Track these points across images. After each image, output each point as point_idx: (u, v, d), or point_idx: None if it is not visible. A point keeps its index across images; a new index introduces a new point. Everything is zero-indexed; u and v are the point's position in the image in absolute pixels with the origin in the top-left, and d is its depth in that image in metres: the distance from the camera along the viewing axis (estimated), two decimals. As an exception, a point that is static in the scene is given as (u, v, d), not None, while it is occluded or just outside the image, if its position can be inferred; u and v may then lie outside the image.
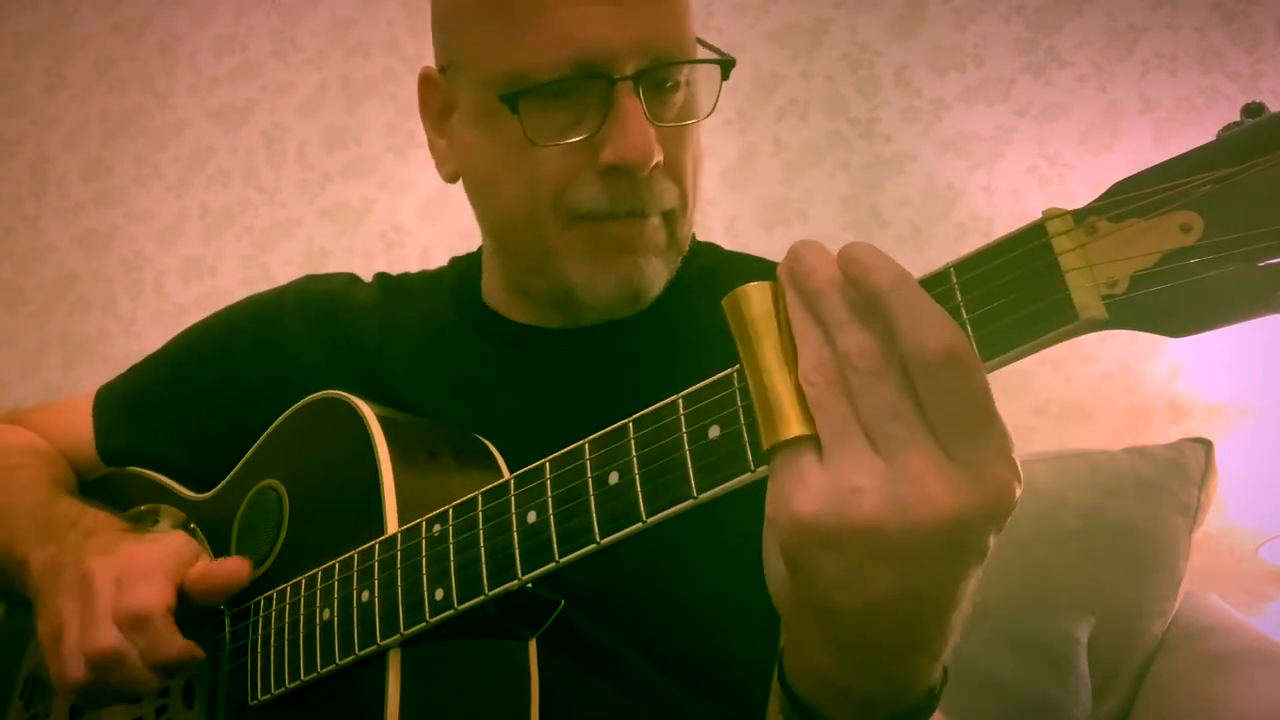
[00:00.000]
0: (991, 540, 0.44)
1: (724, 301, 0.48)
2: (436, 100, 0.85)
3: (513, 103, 0.74)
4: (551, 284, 0.81)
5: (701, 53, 0.80)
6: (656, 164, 0.74)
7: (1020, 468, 0.43)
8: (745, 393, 0.51)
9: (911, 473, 0.41)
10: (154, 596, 0.71)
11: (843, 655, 0.48)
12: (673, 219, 0.79)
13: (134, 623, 0.70)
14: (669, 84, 0.77)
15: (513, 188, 0.78)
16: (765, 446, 0.45)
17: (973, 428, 0.42)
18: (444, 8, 0.82)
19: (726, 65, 0.79)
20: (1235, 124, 0.41)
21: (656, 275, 0.80)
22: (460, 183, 0.86)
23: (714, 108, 0.79)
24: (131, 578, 0.72)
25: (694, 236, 0.97)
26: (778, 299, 0.47)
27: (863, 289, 0.43)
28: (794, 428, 0.44)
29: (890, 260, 0.44)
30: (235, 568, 0.76)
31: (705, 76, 0.80)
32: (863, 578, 0.44)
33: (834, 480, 0.43)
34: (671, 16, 0.76)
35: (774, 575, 0.49)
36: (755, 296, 0.47)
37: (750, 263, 0.94)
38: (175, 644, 0.71)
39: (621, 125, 0.73)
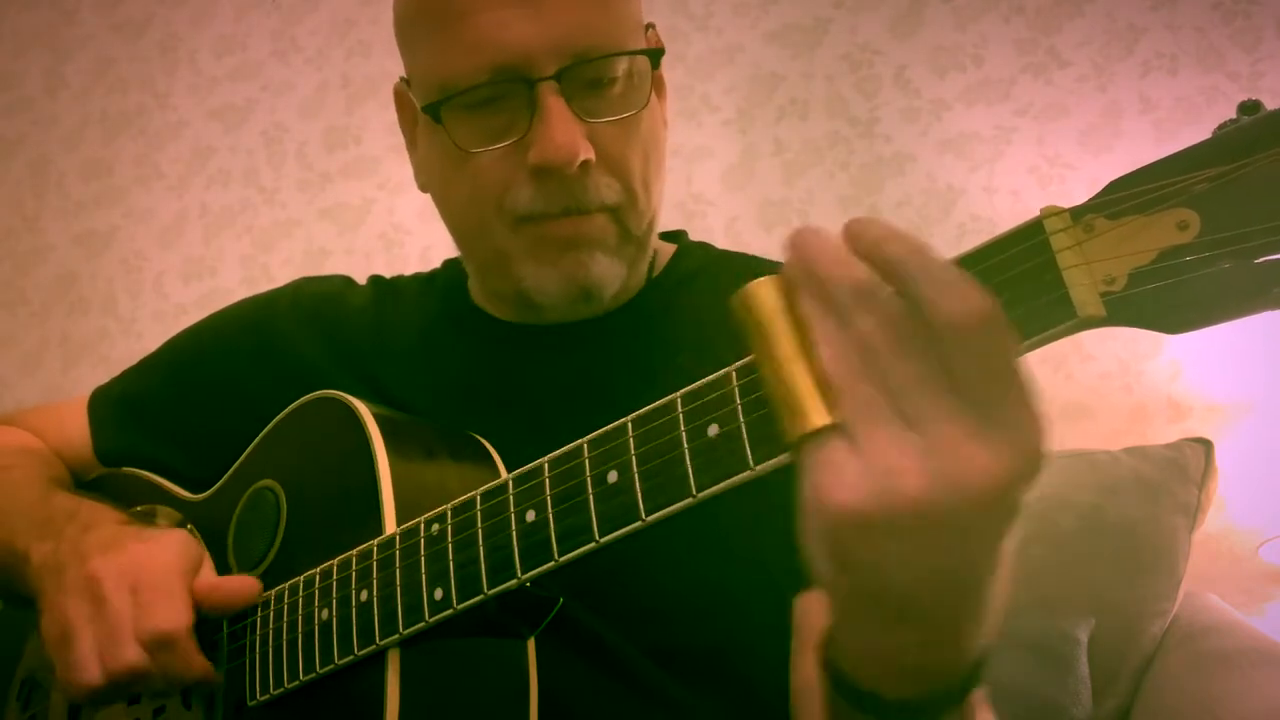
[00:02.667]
0: (1023, 499, 0.43)
1: (732, 301, 0.47)
2: (407, 112, 0.87)
3: (435, 113, 0.76)
4: (509, 285, 0.82)
5: (649, 44, 0.80)
6: (586, 161, 0.74)
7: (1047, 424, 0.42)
8: (744, 390, 0.52)
9: (950, 444, 0.41)
10: (179, 617, 0.71)
11: (899, 630, 0.47)
12: (621, 214, 0.79)
13: (158, 644, 0.70)
14: (603, 80, 0.76)
15: (459, 195, 0.80)
16: (790, 440, 0.45)
17: (1006, 389, 0.41)
18: (395, 24, 0.83)
19: (654, 56, 0.78)
20: (1231, 121, 0.41)
21: (606, 271, 0.79)
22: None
23: (647, 101, 0.78)
24: (150, 590, 0.71)
25: (686, 235, 0.97)
26: (786, 292, 0.46)
27: (879, 261, 0.42)
28: (818, 418, 0.43)
29: (900, 230, 0.43)
30: (245, 586, 0.76)
31: (648, 70, 0.79)
32: (916, 555, 0.43)
33: (870, 465, 0.41)
34: (595, 11, 0.74)
35: (817, 567, 0.47)
36: (763, 292, 0.46)
37: (743, 261, 0.95)
38: (197, 665, 0.71)
39: (545, 126, 0.73)
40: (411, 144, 0.88)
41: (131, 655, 0.69)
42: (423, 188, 0.87)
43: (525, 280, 0.79)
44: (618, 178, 0.77)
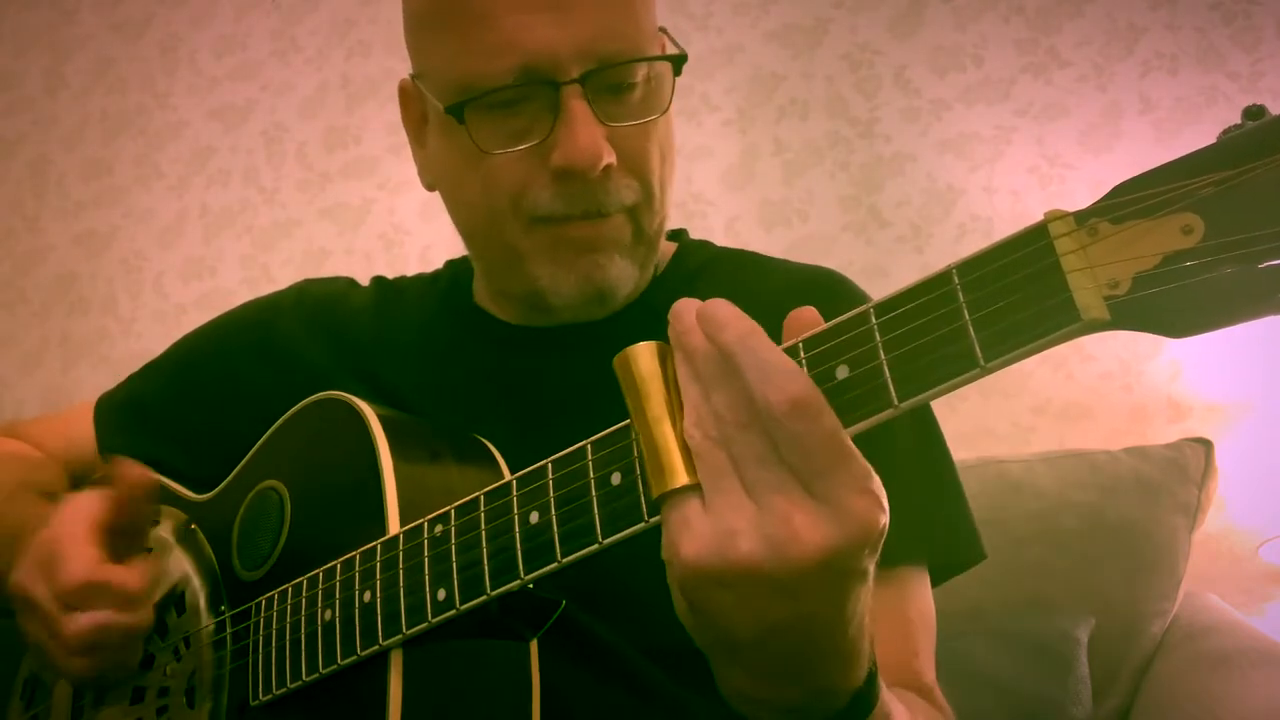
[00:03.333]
0: (869, 563, 0.48)
1: (614, 361, 0.52)
2: (414, 110, 0.86)
3: (458, 113, 0.76)
4: (522, 286, 0.82)
5: (663, 48, 0.81)
6: (608, 165, 0.75)
7: (884, 496, 0.47)
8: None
9: (779, 514, 0.45)
10: (82, 564, 0.72)
11: (755, 674, 0.52)
12: (637, 214, 0.80)
13: (83, 594, 0.72)
14: (624, 84, 0.77)
15: (474, 194, 0.80)
16: (654, 496, 0.50)
17: (828, 467, 0.45)
18: (407, 18, 0.83)
19: (678, 62, 0.79)
20: (1236, 126, 0.41)
21: (621, 274, 0.80)
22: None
23: (668, 105, 0.79)
24: (52, 562, 0.73)
25: (687, 233, 0.97)
26: (665, 357, 0.51)
27: (718, 345, 0.48)
28: (679, 478, 0.48)
29: (739, 315, 0.48)
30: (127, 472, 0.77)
31: (670, 70, 0.80)
32: (753, 609, 0.47)
33: (714, 525, 0.46)
34: (619, 16, 0.75)
35: (680, 611, 0.52)
36: (644, 355, 0.51)
37: (745, 257, 0.95)
38: (133, 583, 0.74)
39: (569, 129, 0.73)
40: (418, 141, 0.87)
41: (77, 625, 0.72)
42: (429, 186, 0.87)
43: (540, 280, 0.80)
44: (637, 178, 0.78)
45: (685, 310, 0.50)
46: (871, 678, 0.54)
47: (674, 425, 0.49)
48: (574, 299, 0.80)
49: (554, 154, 0.74)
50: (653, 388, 0.50)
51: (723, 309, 0.48)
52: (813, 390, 0.46)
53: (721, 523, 0.46)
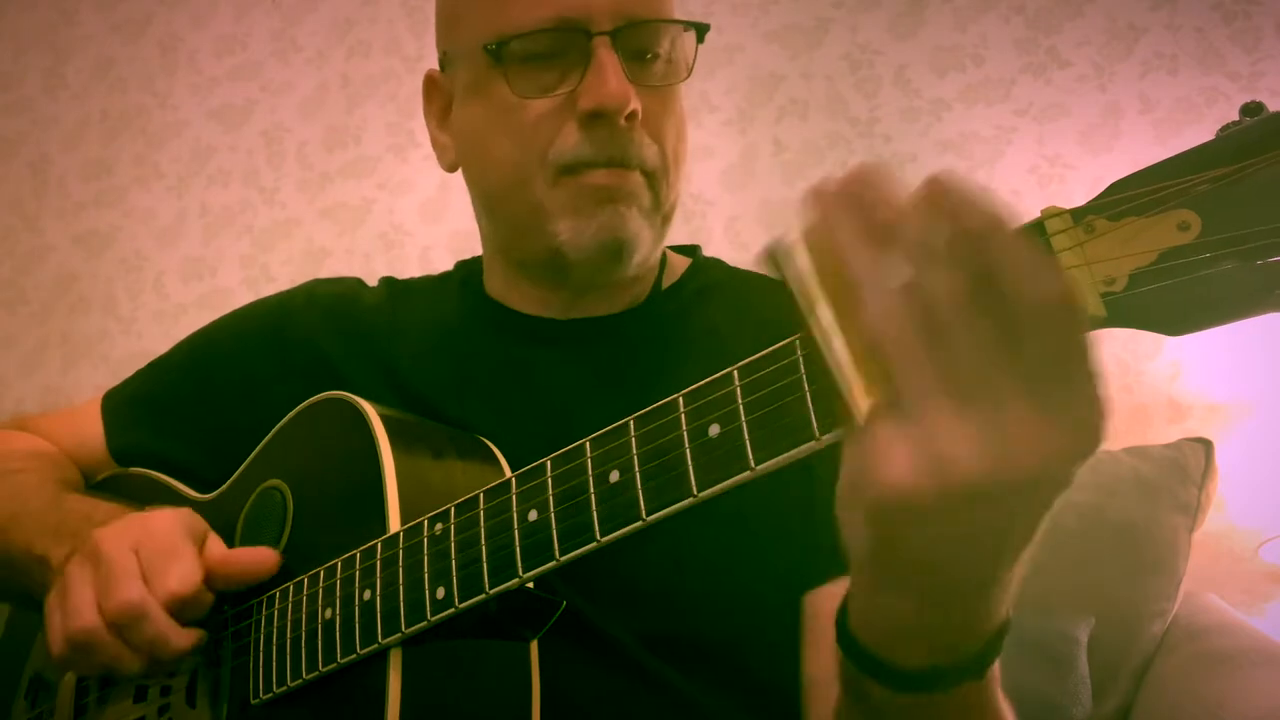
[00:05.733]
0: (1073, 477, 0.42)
1: (768, 253, 0.43)
2: (439, 99, 0.90)
3: (498, 55, 0.79)
4: (543, 244, 0.83)
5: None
6: (634, 112, 0.78)
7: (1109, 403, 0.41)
8: (746, 390, 0.52)
9: (1013, 425, 0.39)
10: (189, 577, 0.71)
11: (927, 599, 0.47)
12: (655, 180, 0.82)
13: (175, 602, 0.71)
14: (649, 55, 0.81)
15: (504, 147, 0.82)
16: (843, 417, 0.42)
17: (1076, 373, 0.39)
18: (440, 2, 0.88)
19: (701, 30, 0.84)
20: (1234, 123, 0.41)
21: (640, 230, 0.81)
22: (460, 175, 0.89)
23: (691, 70, 0.84)
24: (153, 553, 0.72)
25: (700, 250, 0.97)
26: (826, 241, 0.42)
27: (961, 224, 0.39)
28: (867, 392, 0.40)
29: (988, 198, 0.40)
30: (262, 557, 0.76)
31: (685, 53, 0.84)
32: (962, 534, 0.42)
33: (925, 445, 0.40)
34: None
35: (854, 542, 0.46)
36: (798, 249, 0.43)
37: (757, 281, 0.94)
38: (196, 632, 0.72)
39: (599, 76, 0.77)
40: (440, 128, 0.90)
41: (130, 592, 0.69)
42: (451, 166, 0.90)
43: (561, 235, 0.81)
44: (657, 142, 0.81)
45: (878, 176, 0.41)
46: (1006, 623, 0.50)
47: (856, 325, 0.41)
48: (593, 250, 0.81)
49: (583, 98, 0.78)
50: (820, 277, 0.41)
51: (963, 184, 0.40)
52: (1076, 290, 0.39)
53: (934, 442, 0.39)
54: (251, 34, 2.68)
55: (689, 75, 0.84)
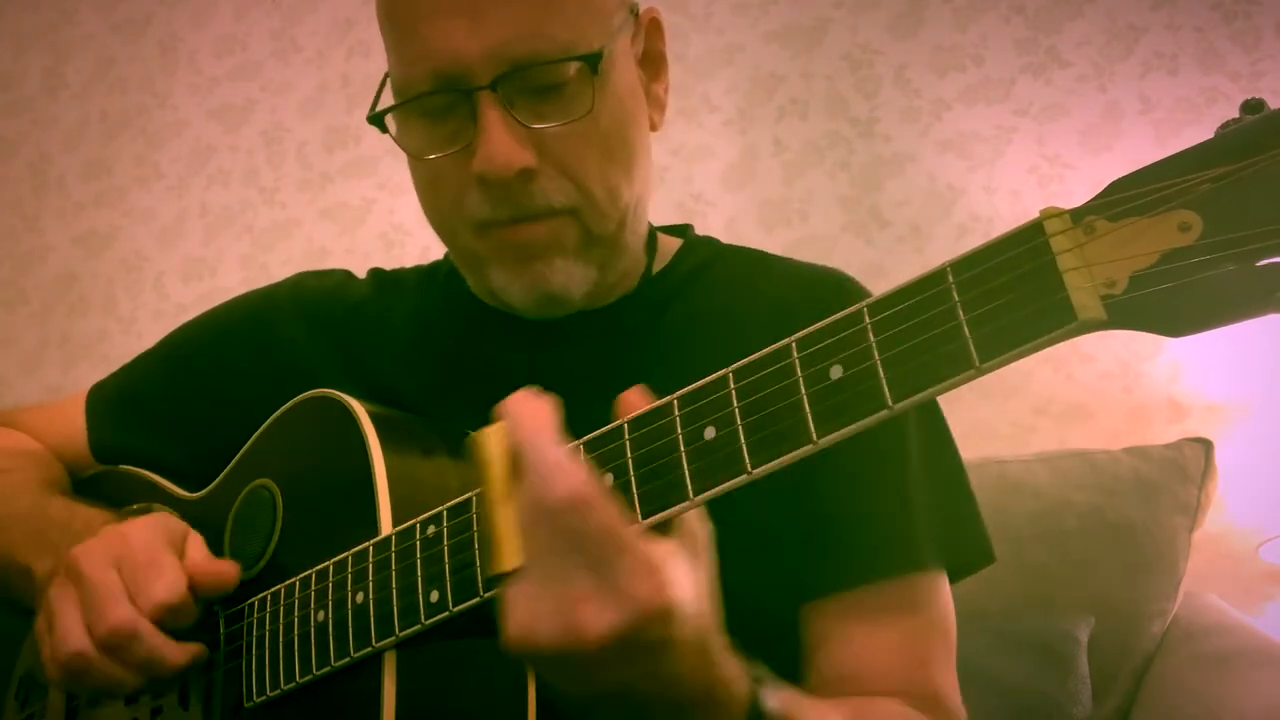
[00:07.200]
0: (674, 632, 0.50)
1: (466, 442, 0.55)
2: None
3: (379, 122, 0.77)
4: (485, 288, 0.82)
5: (602, 38, 0.75)
6: (526, 169, 0.73)
7: (673, 576, 0.50)
8: (741, 393, 0.52)
9: (568, 603, 0.49)
10: (172, 587, 0.71)
11: None
12: (581, 215, 0.77)
13: (164, 615, 0.70)
14: (549, 85, 0.74)
15: (428, 199, 0.82)
16: (487, 575, 0.54)
17: (607, 557, 0.49)
18: None
19: (591, 60, 0.74)
20: (1234, 121, 0.41)
21: (569, 278, 0.78)
22: None
23: (591, 108, 0.74)
24: (134, 567, 0.71)
25: (692, 229, 0.96)
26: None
27: (512, 444, 0.52)
28: (506, 561, 0.52)
29: (533, 413, 0.52)
30: (232, 569, 0.76)
31: (610, 65, 0.76)
32: (576, 679, 0.52)
33: (524, 610, 0.50)
34: (536, 17, 0.72)
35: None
36: (494, 438, 0.54)
37: (748, 256, 0.94)
38: (191, 647, 0.72)
39: (484, 137, 0.73)
40: None
41: (118, 614, 0.69)
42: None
43: (494, 282, 0.80)
44: (570, 179, 0.76)
45: (515, 403, 0.53)
46: (754, 715, 0.56)
47: (512, 508, 0.52)
48: (527, 304, 0.79)
49: (474, 162, 0.74)
50: (496, 470, 0.53)
51: (518, 405, 0.52)
52: (586, 486, 0.49)
53: (529, 609, 0.50)
54: (251, 34, 2.67)
55: (593, 108, 0.74)
